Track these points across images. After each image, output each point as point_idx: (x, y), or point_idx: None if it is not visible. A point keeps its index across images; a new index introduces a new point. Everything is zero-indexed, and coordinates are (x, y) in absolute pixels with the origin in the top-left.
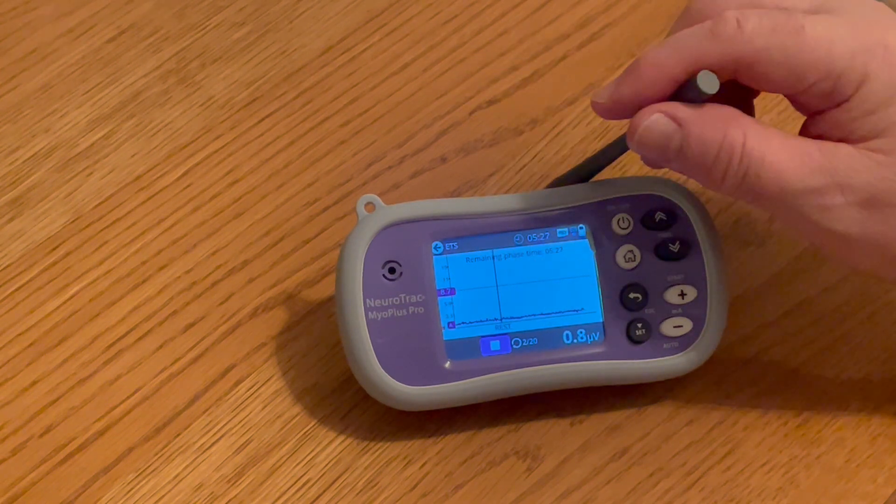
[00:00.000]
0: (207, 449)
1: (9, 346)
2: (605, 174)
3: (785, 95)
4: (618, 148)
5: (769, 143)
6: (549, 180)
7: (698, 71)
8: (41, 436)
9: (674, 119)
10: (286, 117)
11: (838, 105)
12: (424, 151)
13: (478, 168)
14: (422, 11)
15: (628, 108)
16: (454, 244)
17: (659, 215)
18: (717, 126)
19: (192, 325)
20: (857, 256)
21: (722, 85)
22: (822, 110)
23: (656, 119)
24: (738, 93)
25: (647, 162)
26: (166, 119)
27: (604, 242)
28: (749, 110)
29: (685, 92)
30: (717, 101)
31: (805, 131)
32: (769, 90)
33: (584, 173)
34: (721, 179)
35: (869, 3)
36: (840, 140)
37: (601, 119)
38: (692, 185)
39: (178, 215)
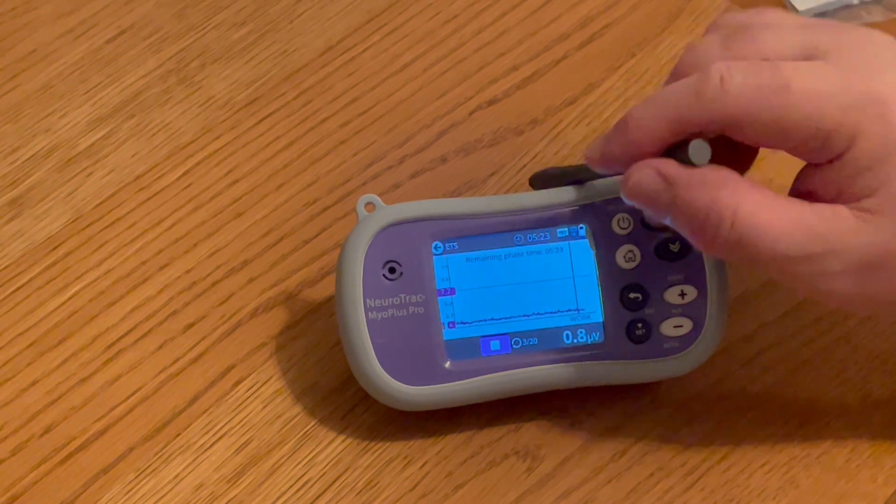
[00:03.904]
0: (207, 449)
1: (9, 346)
2: None
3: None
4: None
5: (763, 211)
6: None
7: (685, 130)
8: (41, 436)
9: (664, 178)
10: (286, 117)
11: (830, 162)
12: (424, 151)
13: (478, 168)
14: (422, 11)
15: (619, 164)
16: (454, 244)
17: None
18: (706, 191)
19: (192, 325)
20: (855, 309)
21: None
22: (813, 163)
23: (647, 175)
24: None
25: (644, 215)
26: (166, 119)
27: (604, 242)
28: (753, 155)
29: (678, 153)
30: (719, 155)
31: (799, 184)
32: (757, 146)
33: (567, 177)
34: (711, 244)
35: (866, 39)
36: (833, 197)
37: (601, 119)
38: None
39: (178, 215)
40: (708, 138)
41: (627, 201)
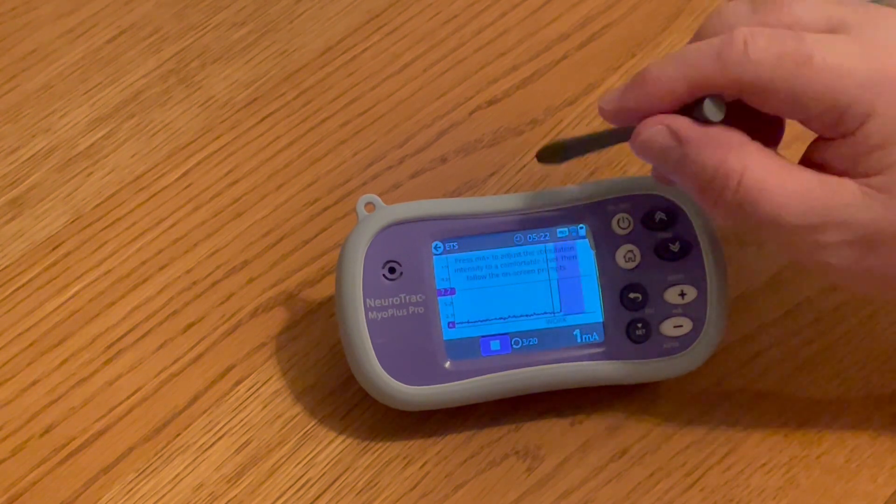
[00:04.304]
0: (207, 449)
1: (9, 346)
2: (606, 174)
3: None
4: (617, 138)
5: (770, 176)
6: (550, 181)
7: (702, 91)
8: (41, 436)
9: (675, 135)
10: (286, 117)
11: (843, 137)
12: (424, 151)
13: (478, 168)
14: (422, 11)
15: (633, 117)
16: (454, 244)
17: (659, 215)
18: (716, 151)
19: (192, 325)
20: (853, 285)
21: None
22: (826, 138)
23: (658, 131)
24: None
25: (652, 172)
26: (166, 119)
27: (604, 242)
28: (776, 126)
29: (692, 111)
30: (736, 120)
31: (809, 155)
32: (772, 113)
33: (579, 146)
34: (713, 204)
35: (892, 19)
36: (843, 171)
37: (601, 119)
38: None
39: (178, 215)
40: (724, 101)
41: (636, 155)
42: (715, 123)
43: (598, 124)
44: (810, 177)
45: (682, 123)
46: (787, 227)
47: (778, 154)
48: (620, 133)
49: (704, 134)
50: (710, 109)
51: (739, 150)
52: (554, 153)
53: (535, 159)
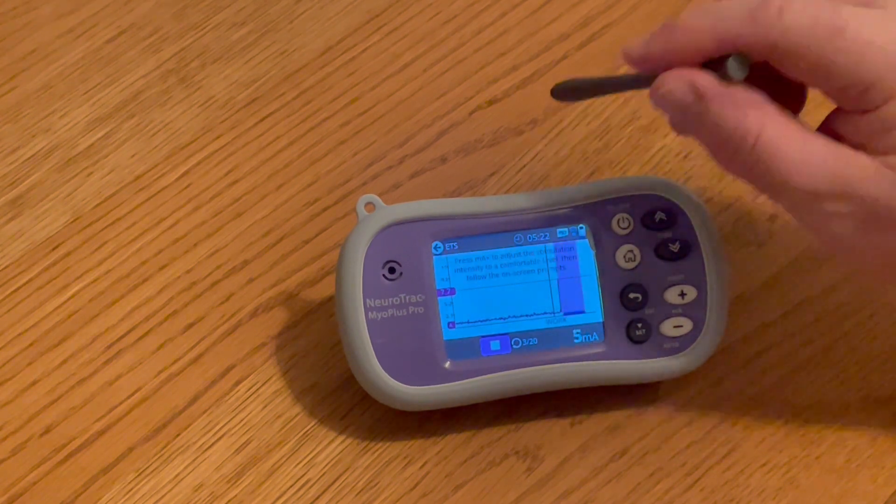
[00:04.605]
0: (207, 449)
1: (9, 346)
2: (606, 174)
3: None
4: (635, 83)
5: (785, 139)
6: (549, 181)
7: (729, 48)
8: (41, 436)
9: (697, 91)
10: (286, 117)
11: (863, 112)
12: (424, 151)
13: (478, 168)
14: (422, 11)
15: (657, 65)
16: (454, 244)
17: (659, 215)
18: (736, 109)
19: (192, 325)
20: (856, 260)
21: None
22: (846, 110)
23: (680, 85)
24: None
25: (669, 121)
26: (166, 119)
27: (604, 242)
28: (799, 94)
29: (716, 67)
30: (759, 82)
31: (828, 124)
32: (796, 80)
33: (596, 87)
34: (728, 161)
35: None
36: (859, 145)
37: (601, 119)
38: (692, 185)
39: (178, 215)
40: (749, 60)
41: (654, 104)
42: (737, 82)
43: (597, 124)
44: (826, 145)
45: (705, 79)
46: (796, 191)
47: (797, 119)
48: (639, 80)
49: (726, 91)
50: (734, 67)
51: (759, 111)
52: (570, 91)
53: (551, 94)
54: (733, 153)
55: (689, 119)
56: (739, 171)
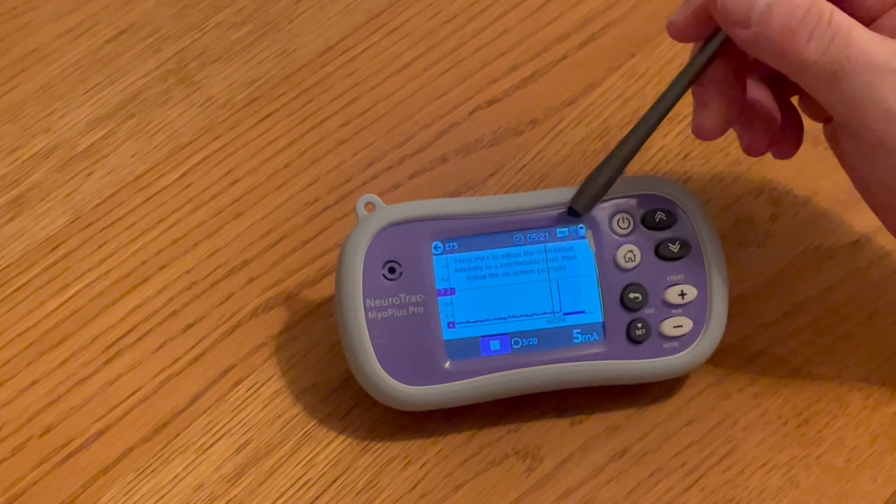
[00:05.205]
0: (207, 449)
1: (9, 346)
2: None
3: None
4: (636, 148)
5: (854, 22)
6: (549, 181)
7: None
8: (41, 436)
9: None
10: (286, 117)
11: (895, 5)
12: (424, 151)
13: (478, 168)
14: (422, 11)
15: (703, 18)
16: (454, 244)
17: (659, 215)
18: None
19: (192, 325)
20: None
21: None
22: (879, 14)
23: None
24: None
25: (727, 27)
26: (166, 119)
27: (604, 242)
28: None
29: None
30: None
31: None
32: None
33: (608, 179)
34: (806, 42)
35: None
36: None
37: (601, 119)
38: (692, 185)
39: (178, 215)
40: None
41: (719, 6)
42: None
43: (597, 124)
44: (883, 35)
45: None
46: (874, 66)
47: None
48: (638, 144)
49: None
50: None
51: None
52: (591, 201)
53: (575, 215)
54: (811, 33)
55: (758, 13)
56: (815, 53)
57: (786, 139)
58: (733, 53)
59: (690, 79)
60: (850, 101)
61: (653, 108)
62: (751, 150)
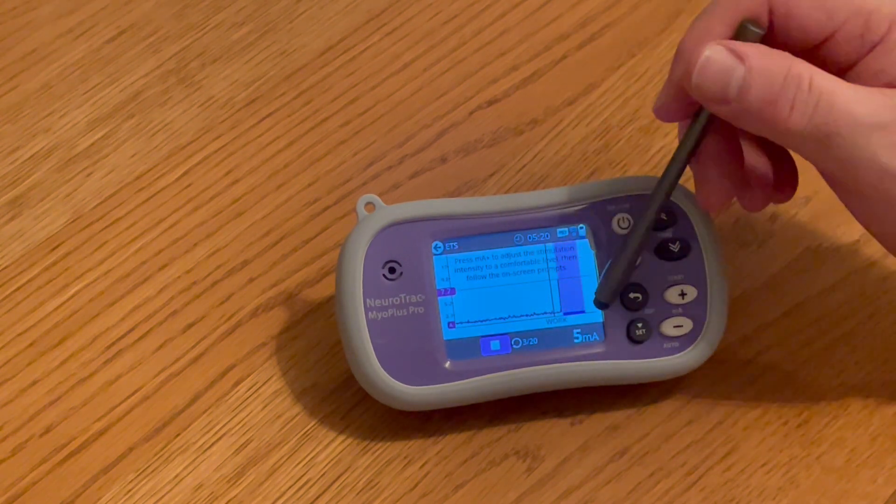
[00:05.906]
0: (207, 449)
1: (9, 346)
2: (606, 174)
3: (817, 48)
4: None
5: (834, 80)
6: (549, 181)
7: (738, 20)
8: (41, 436)
9: (735, 52)
10: (286, 117)
11: (872, 49)
12: (424, 151)
13: (478, 168)
14: (422, 11)
15: (684, 98)
16: (454, 244)
17: (659, 215)
18: (780, 59)
19: (192, 325)
20: None
21: None
22: (856, 60)
23: (716, 50)
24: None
25: (706, 105)
26: (166, 119)
27: (604, 242)
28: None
29: (734, 36)
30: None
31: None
32: (801, 38)
33: (626, 267)
34: (789, 112)
35: None
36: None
37: (601, 119)
38: (692, 185)
39: (178, 215)
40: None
41: (695, 91)
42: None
43: (597, 124)
44: (866, 87)
45: (737, 44)
46: (862, 125)
47: None
48: (649, 227)
49: (760, 47)
50: (751, 25)
51: (798, 61)
52: (613, 292)
53: (602, 307)
54: (794, 99)
55: (735, 85)
56: (801, 120)
57: (783, 189)
58: (723, 123)
59: (685, 158)
60: (843, 164)
61: (654, 193)
62: (751, 208)
